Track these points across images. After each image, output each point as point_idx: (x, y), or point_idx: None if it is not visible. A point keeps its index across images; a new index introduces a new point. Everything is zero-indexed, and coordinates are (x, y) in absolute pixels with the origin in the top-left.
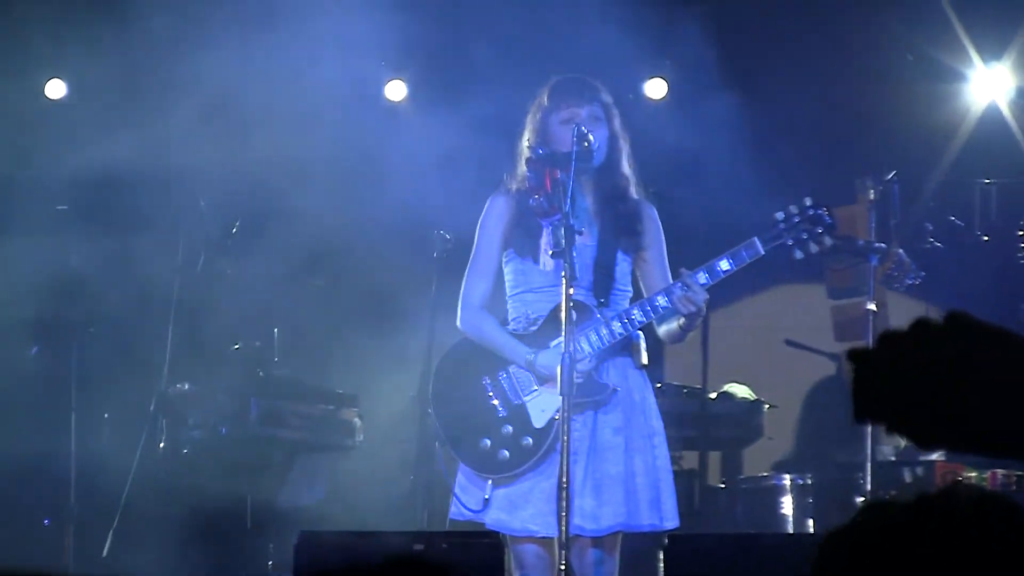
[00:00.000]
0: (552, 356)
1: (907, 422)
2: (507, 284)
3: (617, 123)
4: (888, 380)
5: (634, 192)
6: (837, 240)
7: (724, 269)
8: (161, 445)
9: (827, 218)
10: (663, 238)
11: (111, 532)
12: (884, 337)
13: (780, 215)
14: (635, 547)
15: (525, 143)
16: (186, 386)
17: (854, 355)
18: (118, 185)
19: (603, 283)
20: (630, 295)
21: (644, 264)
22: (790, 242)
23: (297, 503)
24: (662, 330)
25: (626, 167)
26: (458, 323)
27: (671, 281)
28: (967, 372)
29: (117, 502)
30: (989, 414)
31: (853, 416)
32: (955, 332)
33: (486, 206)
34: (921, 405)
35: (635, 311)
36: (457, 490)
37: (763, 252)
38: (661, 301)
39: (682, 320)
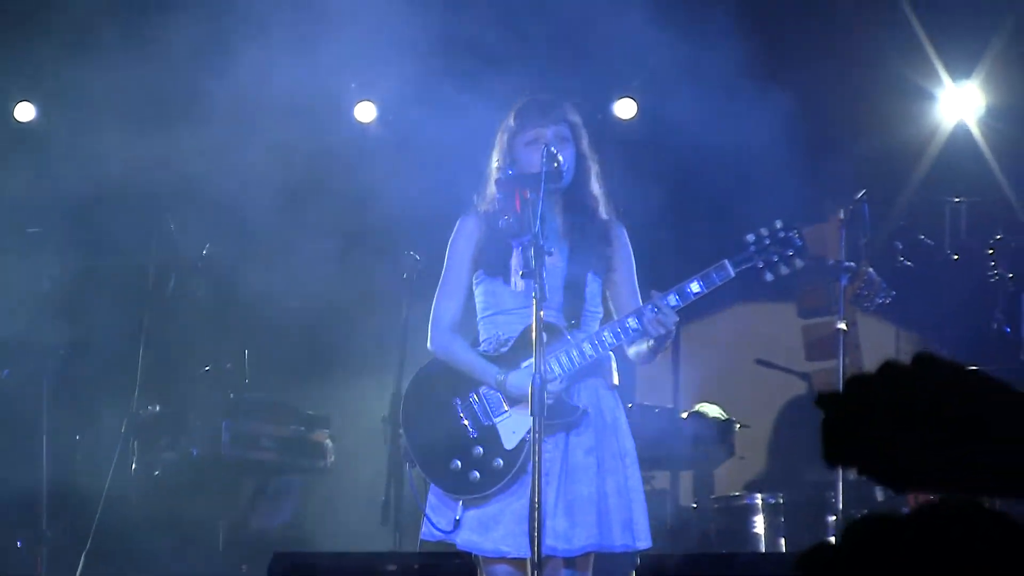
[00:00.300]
0: (522, 377)
1: (878, 466)
2: (478, 305)
3: (585, 143)
4: (857, 424)
5: (603, 212)
6: (808, 262)
7: (695, 291)
8: (133, 467)
9: (797, 240)
10: (632, 258)
11: (84, 554)
12: (852, 380)
13: (751, 237)
14: (608, 568)
15: (494, 164)
16: (157, 408)
17: (823, 399)
18: (89, 207)
19: (573, 304)
20: (601, 316)
21: (613, 285)
22: (761, 264)
23: (269, 524)
24: (632, 351)
25: (595, 187)
26: (429, 345)
27: (640, 302)
28: (936, 413)
29: (90, 524)
30: (961, 454)
31: (824, 460)
32: (923, 373)
33: (456, 227)
34: (891, 448)
35: (606, 333)
36: (428, 511)
37: (733, 274)
38: (632, 323)
39: (651, 342)
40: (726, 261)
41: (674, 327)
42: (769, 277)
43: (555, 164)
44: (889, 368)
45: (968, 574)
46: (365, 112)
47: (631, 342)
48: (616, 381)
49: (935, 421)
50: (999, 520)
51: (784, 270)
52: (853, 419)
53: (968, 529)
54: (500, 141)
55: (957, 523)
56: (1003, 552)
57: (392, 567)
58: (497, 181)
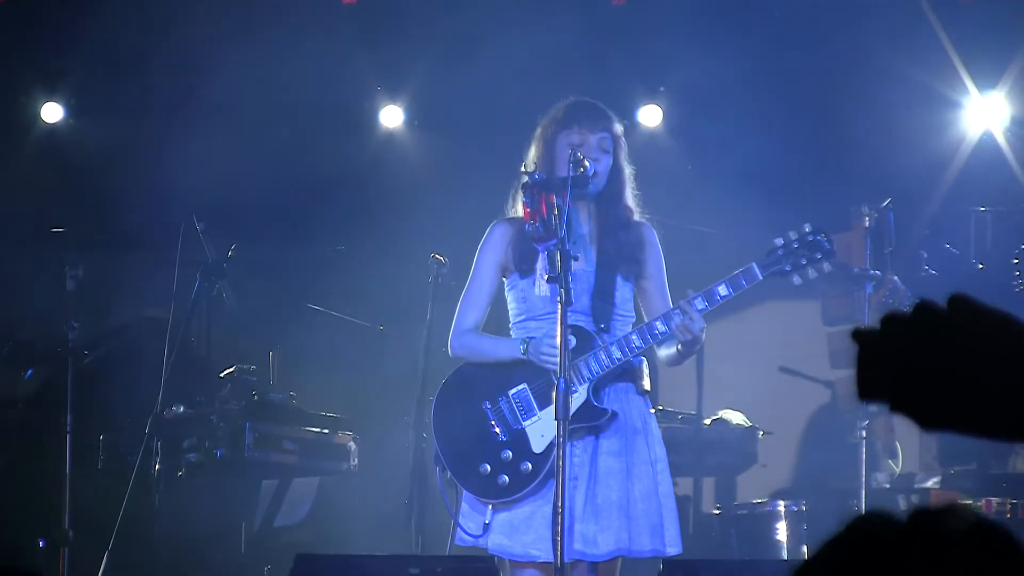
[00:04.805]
0: (545, 345)
1: (910, 402)
2: (510, 311)
3: (623, 155)
4: (891, 360)
5: (636, 219)
6: (834, 268)
7: (722, 295)
8: (156, 468)
9: (826, 244)
10: (663, 263)
11: (106, 555)
12: (887, 319)
13: (779, 241)
14: (633, 573)
15: (523, 167)
16: (181, 409)
17: (858, 335)
18: (115, 208)
19: (603, 309)
20: (632, 320)
21: (645, 290)
22: (788, 268)
23: (292, 526)
24: (661, 354)
25: (628, 197)
26: (449, 351)
27: (671, 306)
28: (969, 354)
29: (112, 524)
30: (991, 396)
31: (857, 395)
32: (958, 314)
33: (487, 232)
34: (924, 386)
35: (634, 337)
36: (460, 517)
37: (761, 278)
38: (660, 327)
39: (680, 346)
40: (754, 264)
41: (701, 333)
42: (797, 281)
43: (581, 169)
44: (924, 307)
45: None
46: (391, 116)
47: (660, 345)
48: (648, 387)
49: (968, 361)
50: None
51: (812, 274)
52: (887, 356)
53: (974, 547)
54: (541, 136)
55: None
56: (998, 567)
57: (415, 570)
58: (523, 185)
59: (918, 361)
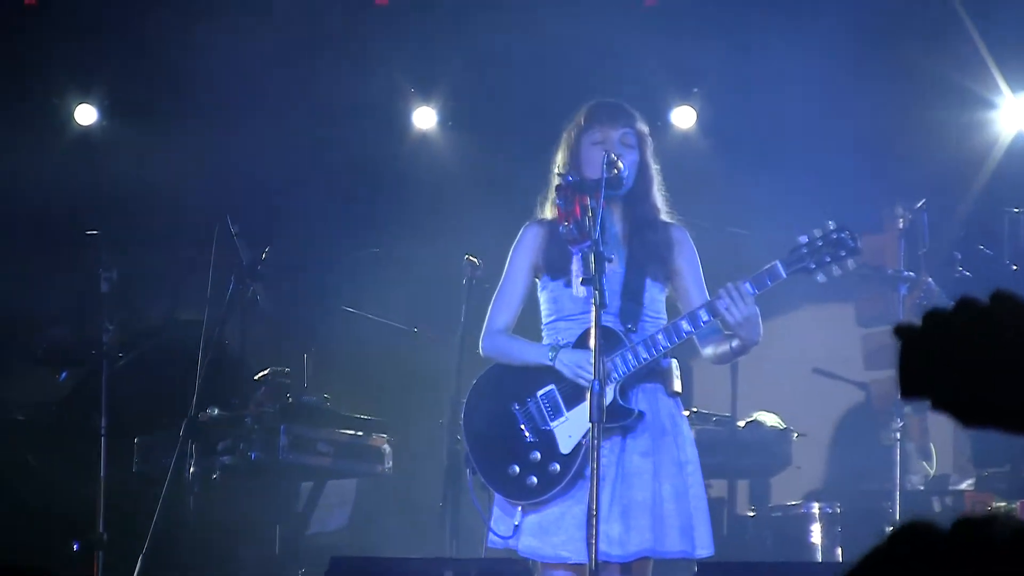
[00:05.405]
0: (573, 354)
1: (952, 399)
2: (542, 311)
3: (649, 152)
4: (933, 357)
5: (665, 218)
6: (861, 264)
7: (747, 292)
8: (191, 470)
9: (851, 241)
10: (698, 261)
11: (140, 557)
12: (930, 315)
13: (803, 239)
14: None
15: (555, 169)
16: (215, 412)
17: (900, 331)
18: (149, 210)
19: (631, 310)
20: (662, 322)
21: (680, 289)
22: (812, 266)
23: (326, 529)
24: (709, 352)
25: (656, 196)
26: (480, 351)
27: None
28: (1012, 351)
29: (147, 527)
30: None
31: (899, 392)
32: (1000, 311)
33: (519, 234)
34: (965, 383)
35: (660, 335)
36: (492, 520)
37: (785, 276)
38: (685, 326)
39: (735, 341)
40: (778, 262)
41: (755, 316)
42: (821, 278)
43: (615, 171)
44: (967, 304)
45: None
46: (424, 118)
47: (710, 342)
48: (678, 388)
49: (1011, 358)
50: None
51: (836, 271)
52: (929, 352)
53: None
54: (566, 140)
55: (1008, 550)
56: None
57: (449, 573)
58: (557, 187)
59: (960, 358)
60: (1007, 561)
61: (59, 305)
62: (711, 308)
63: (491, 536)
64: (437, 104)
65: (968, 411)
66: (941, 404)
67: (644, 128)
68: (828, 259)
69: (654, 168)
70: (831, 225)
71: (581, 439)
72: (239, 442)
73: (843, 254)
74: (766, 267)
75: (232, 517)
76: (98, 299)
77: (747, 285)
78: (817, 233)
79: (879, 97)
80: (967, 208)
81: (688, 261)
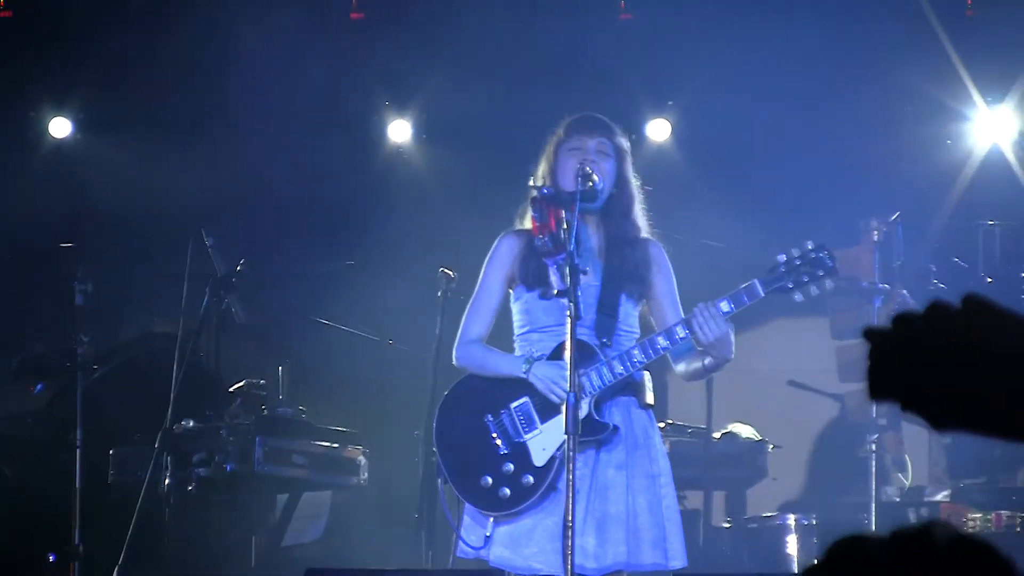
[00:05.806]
0: (547, 368)
1: (920, 401)
2: (515, 323)
3: (628, 166)
4: (903, 359)
5: (643, 235)
6: (838, 283)
7: (724, 311)
8: (166, 482)
9: (828, 261)
10: (673, 276)
11: (116, 569)
12: (899, 318)
13: (781, 257)
14: None
15: (532, 181)
16: (191, 424)
17: (869, 334)
18: (124, 223)
19: (606, 324)
20: (636, 336)
21: (655, 306)
22: (790, 285)
23: (302, 540)
24: (684, 368)
25: (637, 213)
26: (453, 360)
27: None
28: (982, 354)
29: (122, 539)
30: (1003, 395)
31: (868, 394)
32: (970, 314)
33: (494, 244)
34: (935, 385)
35: (635, 351)
36: (462, 529)
37: (763, 294)
38: (662, 341)
39: (707, 359)
40: (756, 281)
41: (728, 340)
42: (799, 298)
43: (589, 184)
44: (937, 307)
45: None
46: (399, 131)
47: (682, 359)
48: (651, 400)
49: (981, 361)
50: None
51: (814, 291)
52: (898, 355)
53: (958, 564)
54: (546, 152)
55: (947, 557)
56: None
57: None
58: (532, 200)
59: (930, 360)
60: (945, 571)
61: (34, 318)
62: (687, 324)
63: (461, 546)
64: (412, 117)
65: (937, 414)
66: (910, 407)
67: (623, 142)
68: (806, 279)
69: (634, 184)
70: (809, 244)
71: (555, 452)
72: (214, 454)
73: (821, 273)
74: (744, 285)
75: (208, 529)
76: (73, 312)
77: (724, 302)
78: (795, 252)
79: (853, 110)
80: (941, 221)
81: (664, 278)
